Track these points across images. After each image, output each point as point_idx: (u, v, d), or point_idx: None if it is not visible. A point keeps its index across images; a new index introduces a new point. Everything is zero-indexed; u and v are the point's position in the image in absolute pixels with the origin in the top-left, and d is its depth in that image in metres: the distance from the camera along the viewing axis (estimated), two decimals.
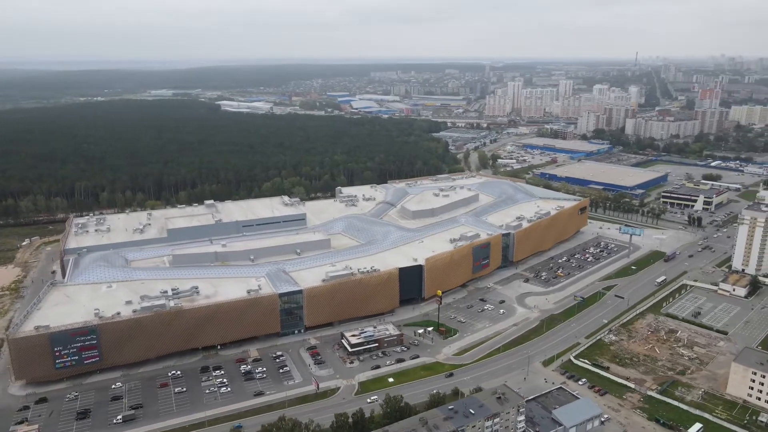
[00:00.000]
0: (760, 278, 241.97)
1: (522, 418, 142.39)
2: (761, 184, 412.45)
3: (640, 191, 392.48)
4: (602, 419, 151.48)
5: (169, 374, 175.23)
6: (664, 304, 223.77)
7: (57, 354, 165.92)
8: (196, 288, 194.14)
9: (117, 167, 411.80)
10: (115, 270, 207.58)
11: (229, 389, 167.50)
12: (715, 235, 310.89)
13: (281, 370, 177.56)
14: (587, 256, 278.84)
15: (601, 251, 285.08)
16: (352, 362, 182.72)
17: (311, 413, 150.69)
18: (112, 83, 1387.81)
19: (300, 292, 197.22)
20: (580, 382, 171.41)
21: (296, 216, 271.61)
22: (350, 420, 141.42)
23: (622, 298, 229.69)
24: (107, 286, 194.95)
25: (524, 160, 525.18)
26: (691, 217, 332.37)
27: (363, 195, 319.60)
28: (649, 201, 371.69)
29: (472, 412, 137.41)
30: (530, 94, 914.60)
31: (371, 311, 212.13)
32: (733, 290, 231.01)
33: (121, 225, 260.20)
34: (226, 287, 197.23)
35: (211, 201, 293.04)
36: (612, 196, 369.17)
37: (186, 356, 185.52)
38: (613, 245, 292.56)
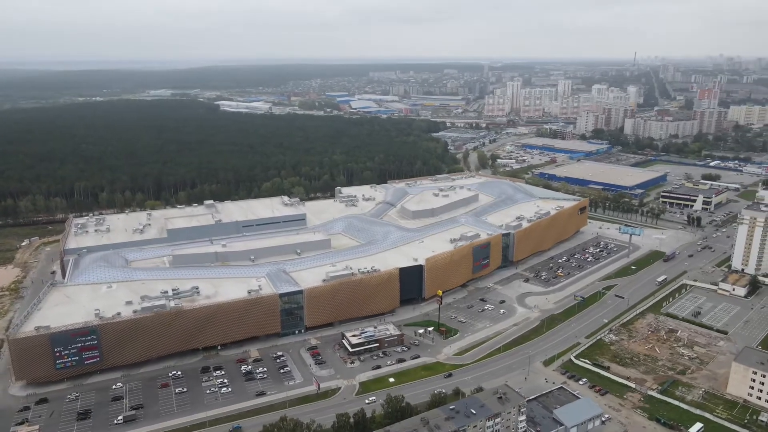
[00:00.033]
0: (760, 278, 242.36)
1: (523, 417, 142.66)
2: (760, 183, 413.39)
3: (640, 191, 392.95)
4: (603, 419, 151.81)
5: (170, 374, 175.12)
6: (664, 304, 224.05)
7: (57, 354, 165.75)
8: (197, 288, 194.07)
9: (116, 167, 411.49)
10: (115, 270, 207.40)
11: (229, 389, 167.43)
12: (714, 235, 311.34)
13: (282, 371, 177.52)
14: (587, 255, 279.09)
15: (600, 251, 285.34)
16: (352, 362, 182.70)
17: (312, 413, 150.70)
18: (111, 83, 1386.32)
19: (300, 292, 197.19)
20: (580, 382, 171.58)
21: (296, 216, 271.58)
22: (351, 420, 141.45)
23: (622, 297, 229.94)
24: (107, 287, 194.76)
25: (523, 160, 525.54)
26: (691, 216, 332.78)
27: (363, 195, 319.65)
28: (648, 201, 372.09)
29: (474, 412, 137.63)
30: (529, 94, 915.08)
31: (372, 311, 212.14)
32: (733, 290, 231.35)
33: (121, 225, 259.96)
34: (227, 287, 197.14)
35: (211, 201, 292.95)
36: (611, 196, 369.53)
37: (186, 356, 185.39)
38: (612, 245, 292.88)
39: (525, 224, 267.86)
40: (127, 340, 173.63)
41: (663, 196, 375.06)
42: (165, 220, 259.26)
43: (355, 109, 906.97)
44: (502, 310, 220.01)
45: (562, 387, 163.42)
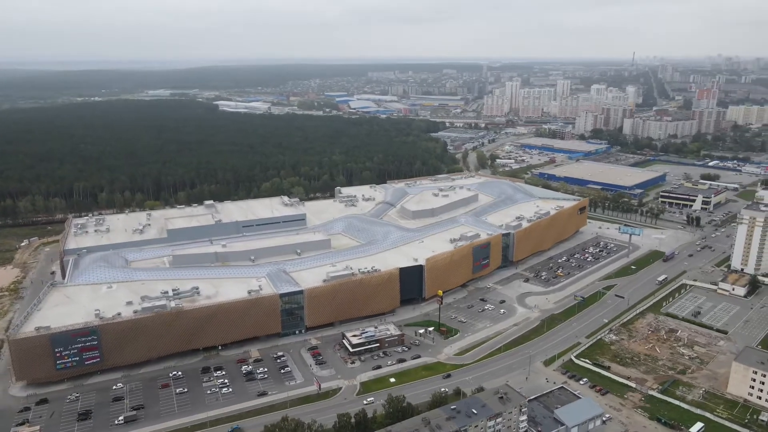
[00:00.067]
0: (759, 278, 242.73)
1: (524, 417, 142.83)
2: (759, 183, 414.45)
3: (639, 191, 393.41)
4: (604, 419, 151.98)
5: (170, 375, 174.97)
6: (664, 304, 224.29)
7: (58, 355, 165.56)
8: (197, 288, 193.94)
9: (115, 167, 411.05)
10: (115, 270, 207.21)
11: (230, 390, 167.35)
12: (713, 235, 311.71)
13: (282, 371, 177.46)
14: (587, 255, 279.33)
15: (600, 251, 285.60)
16: (353, 362, 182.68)
17: (313, 413, 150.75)
18: (110, 83, 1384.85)
19: (301, 292, 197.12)
20: (581, 382, 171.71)
21: (296, 216, 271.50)
22: (353, 420, 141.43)
23: (622, 297, 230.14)
24: (107, 287, 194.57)
25: (523, 160, 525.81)
26: (690, 216, 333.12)
27: (362, 195, 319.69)
28: (647, 201, 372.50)
29: (475, 411, 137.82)
30: (528, 94, 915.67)
31: (372, 311, 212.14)
32: (733, 290, 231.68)
33: (121, 225, 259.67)
34: (227, 288, 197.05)
35: (211, 201, 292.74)
36: (611, 195, 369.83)
37: (187, 357, 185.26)
38: (612, 245, 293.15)
39: (525, 224, 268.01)
40: (127, 340, 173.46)
41: (662, 196, 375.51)
42: (165, 221, 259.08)
43: (354, 109, 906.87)
44: (502, 310, 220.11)
45: (562, 387, 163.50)
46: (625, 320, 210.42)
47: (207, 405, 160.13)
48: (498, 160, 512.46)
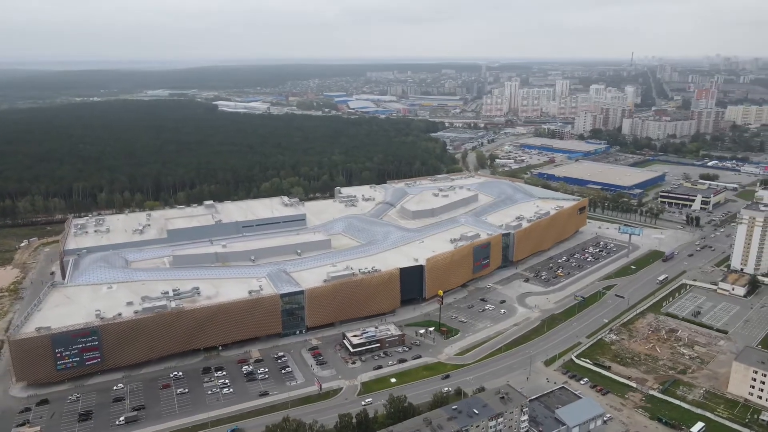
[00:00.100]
0: (759, 277, 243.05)
1: (525, 417, 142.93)
2: (758, 183, 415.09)
3: (638, 191, 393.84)
4: (605, 419, 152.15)
5: (171, 375, 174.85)
6: (664, 304, 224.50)
7: (58, 355, 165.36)
8: (197, 289, 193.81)
9: (115, 168, 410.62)
10: (115, 271, 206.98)
11: (231, 390, 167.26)
12: (712, 235, 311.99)
13: (283, 371, 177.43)
14: (587, 255, 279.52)
15: (600, 251, 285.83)
16: (354, 362, 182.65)
17: (314, 414, 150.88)
18: (109, 83, 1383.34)
19: (301, 292, 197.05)
20: (581, 382, 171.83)
21: (296, 216, 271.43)
22: (354, 420, 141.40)
23: (623, 297, 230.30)
24: (108, 287, 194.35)
25: (522, 160, 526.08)
26: (690, 216, 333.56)
27: (362, 195, 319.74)
28: (647, 201, 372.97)
29: (476, 411, 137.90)
30: (527, 94, 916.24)
31: (372, 311, 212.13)
32: (733, 289, 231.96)
33: (121, 226, 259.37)
34: (227, 288, 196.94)
35: (211, 201, 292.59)
36: (610, 195, 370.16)
37: (187, 357, 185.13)
38: (612, 245, 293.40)
39: (525, 224, 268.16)
40: (128, 340, 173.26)
41: (661, 196, 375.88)
42: (165, 221, 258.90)
43: (353, 109, 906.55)
44: (502, 310, 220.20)
45: (563, 387, 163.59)
46: (625, 320, 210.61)
47: (208, 405, 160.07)
48: (497, 160, 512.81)
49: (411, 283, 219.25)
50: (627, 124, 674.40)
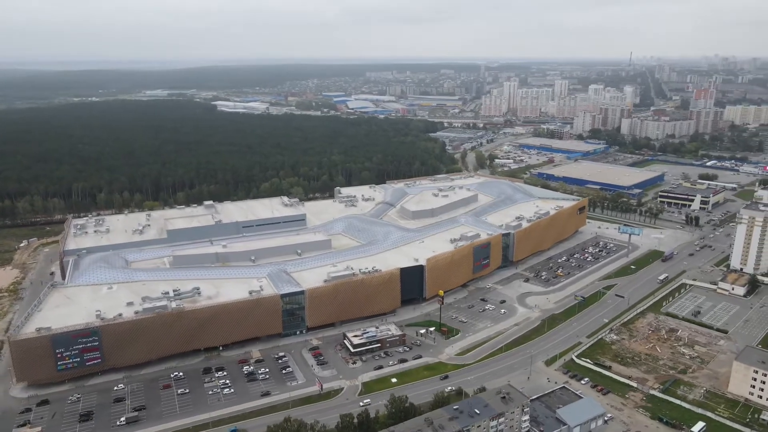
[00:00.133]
0: (759, 277, 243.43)
1: (526, 417, 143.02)
2: (757, 183, 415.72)
3: (638, 191, 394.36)
4: (605, 418, 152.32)
5: (172, 376, 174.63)
6: (664, 303, 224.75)
7: (59, 356, 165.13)
8: (198, 289, 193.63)
9: (114, 168, 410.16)
10: (115, 271, 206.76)
11: (232, 390, 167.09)
12: (711, 235, 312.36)
13: (284, 371, 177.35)
14: (586, 255, 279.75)
15: (600, 251, 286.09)
16: (354, 363, 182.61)
17: (315, 414, 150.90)
18: (108, 83, 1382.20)
19: (302, 292, 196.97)
20: (582, 382, 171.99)
21: (296, 216, 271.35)
22: (355, 420, 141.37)
23: (623, 297, 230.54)
24: (108, 288, 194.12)
25: (521, 160, 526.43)
26: (689, 216, 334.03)
27: (362, 195, 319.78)
28: (646, 200, 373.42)
29: (477, 411, 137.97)
30: (526, 94, 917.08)
31: (373, 311, 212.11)
32: (732, 289, 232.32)
33: (120, 226, 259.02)
34: (228, 288, 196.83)
35: (210, 202, 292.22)
36: (609, 195, 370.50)
37: (188, 357, 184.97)
38: (611, 245, 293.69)
39: (525, 224, 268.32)
40: (128, 341, 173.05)
41: (661, 196, 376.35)
42: (165, 221, 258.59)
43: (352, 109, 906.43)
44: (502, 310, 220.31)
45: (564, 387, 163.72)
46: (625, 320, 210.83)
47: (209, 406, 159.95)
48: (497, 160, 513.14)
49: (411, 283, 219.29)
50: (626, 124, 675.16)
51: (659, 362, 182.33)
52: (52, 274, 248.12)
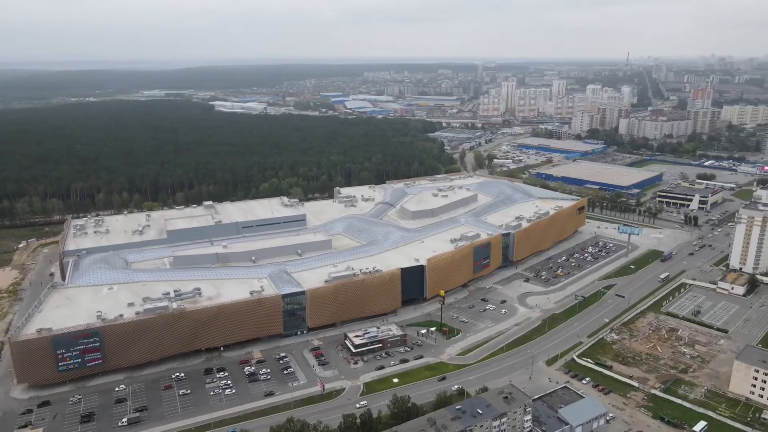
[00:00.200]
0: (758, 276, 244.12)
1: (529, 417, 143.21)
2: (755, 183, 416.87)
3: (636, 191, 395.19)
4: (607, 418, 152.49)
5: (173, 376, 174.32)
6: (664, 303, 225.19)
7: (60, 357, 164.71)
8: (199, 289, 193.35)
9: (113, 168, 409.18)
10: (115, 272, 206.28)
11: (233, 391, 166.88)
12: (710, 235, 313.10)
13: (285, 372, 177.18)
14: (586, 255, 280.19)
15: (599, 251, 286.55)
16: (356, 363, 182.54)
17: (317, 414, 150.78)
18: (106, 83, 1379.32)
19: (303, 293, 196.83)
20: (584, 381, 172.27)
21: (296, 217, 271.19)
22: (358, 421, 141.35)
23: (623, 297, 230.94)
24: (108, 288, 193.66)
25: (520, 160, 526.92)
26: (688, 216, 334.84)
27: (362, 195, 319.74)
28: (645, 200, 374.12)
29: (480, 411, 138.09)
30: (524, 94, 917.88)
31: (374, 312, 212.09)
32: (732, 289, 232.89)
33: (120, 226, 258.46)
34: (229, 288, 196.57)
35: (210, 202, 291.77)
36: (609, 195, 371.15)
37: (189, 358, 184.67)
38: (611, 244, 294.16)
39: (525, 224, 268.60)
40: (129, 341, 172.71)
41: (659, 196, 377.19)
42: (164, 221, 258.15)
43: (351, 109, 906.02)
44: (503, 310, 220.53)
45: (565, 386, 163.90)
46: (625, 319, 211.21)
47: (211, 406, 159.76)
48: (495, 160, 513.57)
49: (412, 283, 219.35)
50: (624, 124, 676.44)
51: (660, 362, 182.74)
52: (51, 274, 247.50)
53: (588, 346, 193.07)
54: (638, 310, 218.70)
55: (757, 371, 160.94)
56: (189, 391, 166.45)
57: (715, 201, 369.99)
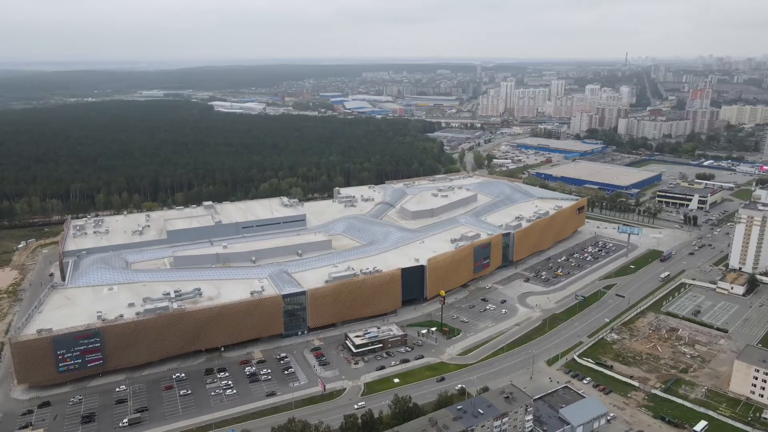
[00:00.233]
0: (758, 276, 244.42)
1: (530, 417, 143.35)
2: (754, 182, 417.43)
3: (635, 190, 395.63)
4: (608, 418, 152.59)
5: (174, 377, 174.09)
6: (664, 303, 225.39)
7: (60, 357, 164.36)
8: (199, 290, 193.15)
9: (112, 168, 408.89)
10: (115, 272, 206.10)
11: (234, 391, 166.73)
12: (709, 235, 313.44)
13: (286, 372, 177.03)
14: (586, 255, 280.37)
15: (599, 250, 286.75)
16: (356, 363, 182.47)
17: (318, 414, 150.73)
18: (104, 84, 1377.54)
19: (303, 293, 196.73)
20: (584, 381, 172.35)
21: (296, 217, 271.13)
22: (359, 421, 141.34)
23: (623, 296, 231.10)
24: (108, 289, 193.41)
25: (519, 160, 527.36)
26: (687, 216, 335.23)
27: (361, 195, 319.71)
28: (644, 200, 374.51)
29: (481, 411, 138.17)
30: (523, 94, 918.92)
31: (374, 312, 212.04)
32: (732, 288, 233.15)
33: (120, 227, 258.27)
34: (229, 289, 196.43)
35: (210, 202, 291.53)
36: (608, 195, 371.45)
37: (190, 358, 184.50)
38: (610, 244, 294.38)
39: (524, 224, 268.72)
40: (130, 342, 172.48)
41: (659, 196, 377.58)
42: (164, 222, 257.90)
43: (350, 109, 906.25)
44: (503, 310, 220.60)
45: (566, 386, 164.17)
46: (626, 319, 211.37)
47: (211, 407, 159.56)
48: (495, 160, 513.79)
49: (412, 284, 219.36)
50: (623, 124, 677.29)
51: (660, 361, 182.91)
52: (51, 275, 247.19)
53: (588, 345, 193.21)
54: (638, 310, 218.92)
55: (758, 371, 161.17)
56: (190, 392, 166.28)
57: (714, 201, 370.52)
